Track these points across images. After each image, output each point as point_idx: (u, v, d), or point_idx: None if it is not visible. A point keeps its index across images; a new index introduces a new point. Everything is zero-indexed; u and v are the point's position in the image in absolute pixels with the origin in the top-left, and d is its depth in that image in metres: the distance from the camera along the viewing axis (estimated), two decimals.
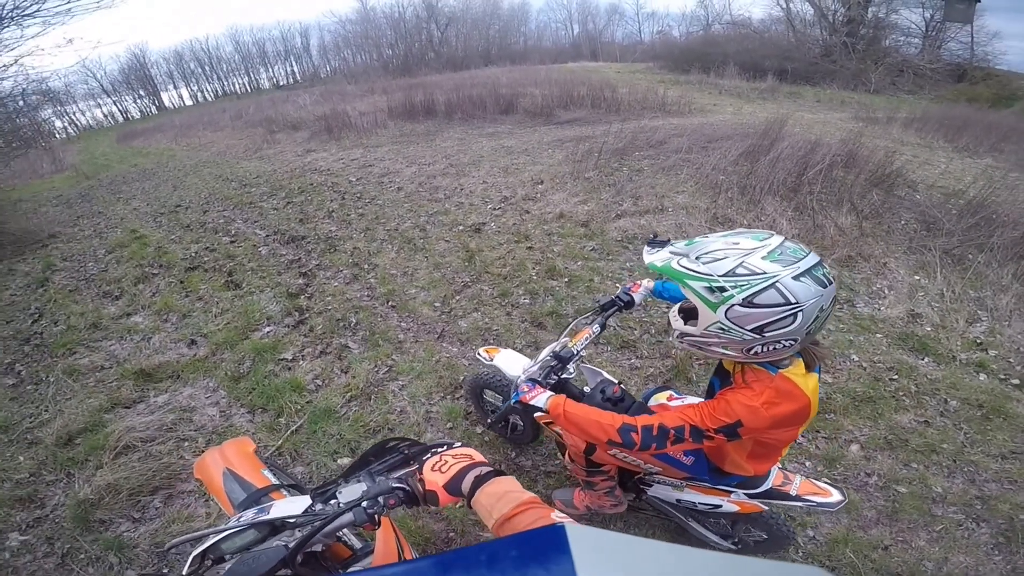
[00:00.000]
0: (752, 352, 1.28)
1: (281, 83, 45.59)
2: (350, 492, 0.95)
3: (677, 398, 1.93)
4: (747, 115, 11.00)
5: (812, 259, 1.20)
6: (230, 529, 0.97)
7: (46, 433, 2.90)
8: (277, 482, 1.42)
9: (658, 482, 1.91)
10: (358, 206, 6.33)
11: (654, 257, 1.36)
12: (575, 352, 1.84)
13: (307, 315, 3.94)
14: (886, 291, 3.87)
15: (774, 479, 1.70)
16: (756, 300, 1.19)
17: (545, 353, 1.86)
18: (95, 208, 8.17)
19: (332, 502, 0.97)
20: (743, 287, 1.19)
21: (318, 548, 1.05)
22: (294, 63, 48.61)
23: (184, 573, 0.91)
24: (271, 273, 4.72)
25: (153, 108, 42.70)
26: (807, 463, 2.52)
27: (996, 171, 6.46)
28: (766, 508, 1.72)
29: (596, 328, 1.93)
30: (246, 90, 45.34)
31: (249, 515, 1.02)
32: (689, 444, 1.35)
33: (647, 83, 14.91)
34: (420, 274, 4.43)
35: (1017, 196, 5.47)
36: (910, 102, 14.28)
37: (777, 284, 1.17)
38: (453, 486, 0.93)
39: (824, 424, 2.72)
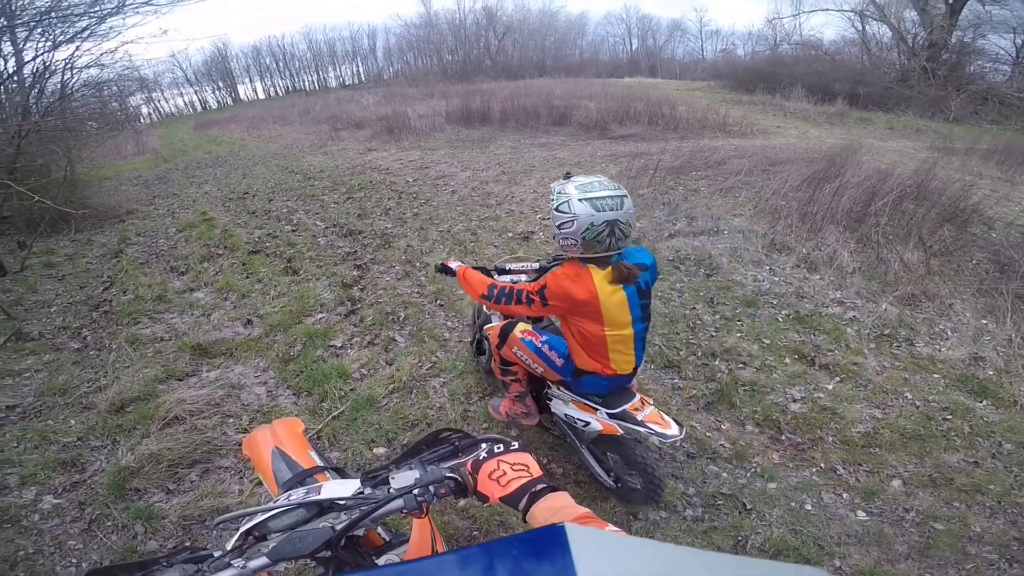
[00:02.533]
0: (559, 244, 1.90)
1: (347, 82, 47.35)
2: (403, 479, 0.95)
3: None
4: (813, 139, 10.63)
5: (601, 191, 1.80)
6: (280, 508, 0.96)
7: (101, 399, 2.99)
8: (323, 464, 1.41)
9: (556, 396, 2.31)
10: (413, 206, 6.52)
11: (556, 184, 1.92)
12: (506, 269, 2.61)
13: (359, 306, 4.08)
14: (949, 332, 3.65)
15: (631, 404, 2.00)
16: (559, 208, 1.84)
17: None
18: (170, 190, 8.76)
19: (383, 487, 0.97)
20: (558, 200, 1.85)
21: (359, 533, 1.04)
22: (360, 64, 50.47)
23: (228, 548, 0.92)
24: (328, 263, 4.92)
25: (229, 100, 45.28)
26: (844, 495, 2.43)
27: None
28: (622, 431, 1.99)
29: (534, 273, 2.58)
30: (314, 87, 47.40)
31: (299, 494, 1.03)
32: (524, 306, 1.96)
33: (708, 101, 14.61)
34: None
35: None
36: (993, 132, 13.31)
37: (568, 202, 1.81)
38: (510, 500, 0.91)
39: (867, 458, 2.61)
